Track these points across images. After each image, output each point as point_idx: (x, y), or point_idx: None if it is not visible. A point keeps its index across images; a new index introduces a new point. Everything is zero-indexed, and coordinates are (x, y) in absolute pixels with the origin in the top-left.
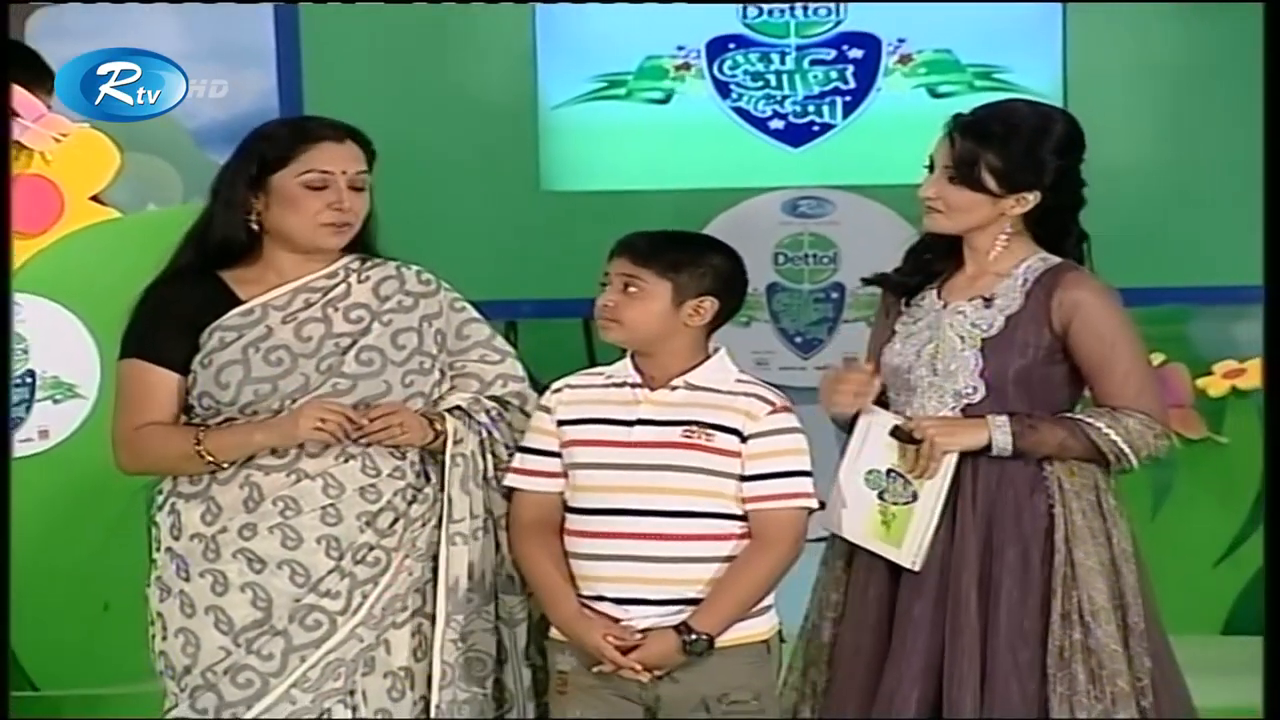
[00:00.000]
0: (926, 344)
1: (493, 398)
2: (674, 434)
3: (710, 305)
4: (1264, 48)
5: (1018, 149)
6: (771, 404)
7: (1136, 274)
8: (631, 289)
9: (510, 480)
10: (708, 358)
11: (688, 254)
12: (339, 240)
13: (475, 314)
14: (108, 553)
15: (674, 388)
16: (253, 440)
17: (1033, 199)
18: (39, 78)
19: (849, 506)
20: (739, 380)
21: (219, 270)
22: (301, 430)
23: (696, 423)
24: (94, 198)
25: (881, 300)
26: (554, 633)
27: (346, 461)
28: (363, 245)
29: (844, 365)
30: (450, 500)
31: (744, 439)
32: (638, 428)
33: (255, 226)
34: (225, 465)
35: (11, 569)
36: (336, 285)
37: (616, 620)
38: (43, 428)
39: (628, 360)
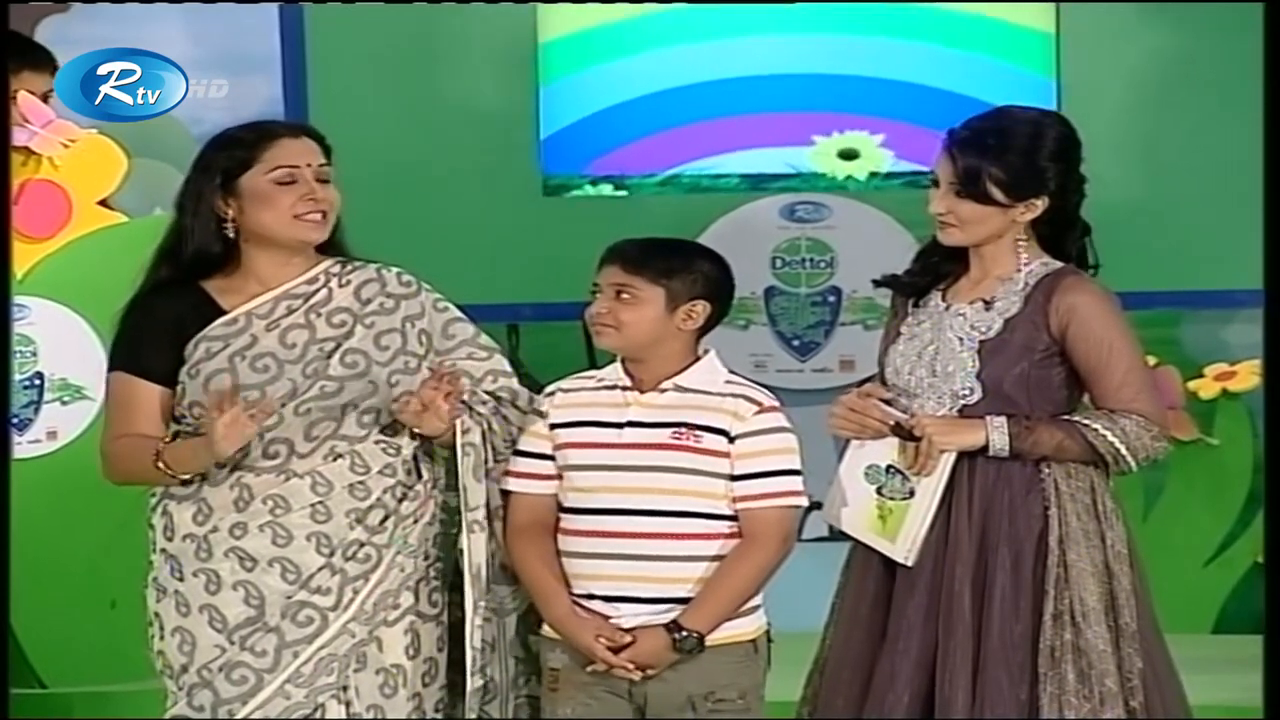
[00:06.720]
0: (927, 345)
1: (486, 393)
2: (663, 435)
3: (703, 309)
4: (1264, 48)
5: (1017, 158)
6: (758, 404)
7: (1128, 278)
8: (625, 296)
9: (506, 483)
10: (697, 360)
11: (678, 260)
12: (317, 233)
13: (458, 313)
14: (114, 551)
15: (663, 390)
16: (199, 457)
17: (1041, 204)
18: (38, 64)
19: (848, 500)
20: (728, 382)
21: (198, 281)
22: (219, 447)
23: (685, 424)
24: (102, 202)
25: (891, 302)
26: (546, 630)
27: (335, 460)
28: (335, 247)
29: (858, 394)
30: (465, 489)
31: (731, 439)
32: (628, 429)
33: (230, 234)
34: (183, 477)
35: (20, 568)
36: (318, 291)
37: (607, 619)
38: (51, 429)
39: (618, 364)
